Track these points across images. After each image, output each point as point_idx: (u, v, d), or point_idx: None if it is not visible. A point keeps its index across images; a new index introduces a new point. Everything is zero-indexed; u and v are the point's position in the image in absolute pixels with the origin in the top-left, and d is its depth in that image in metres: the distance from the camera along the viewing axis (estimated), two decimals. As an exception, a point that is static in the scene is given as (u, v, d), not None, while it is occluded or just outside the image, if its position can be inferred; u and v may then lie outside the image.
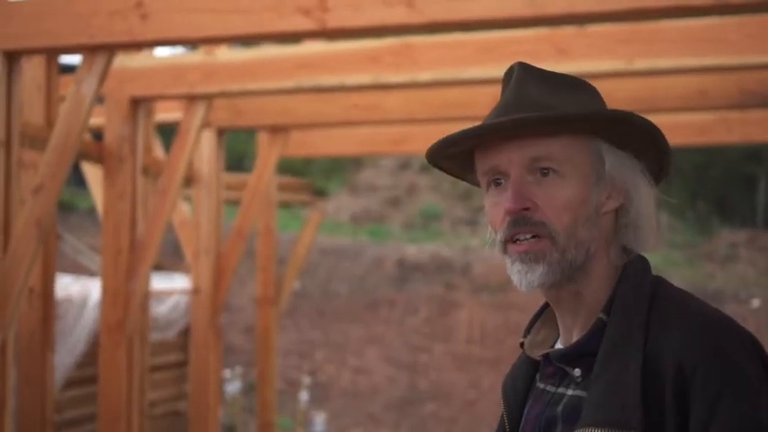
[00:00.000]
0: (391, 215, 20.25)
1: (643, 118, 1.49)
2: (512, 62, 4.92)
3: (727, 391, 1.33)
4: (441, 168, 1.61)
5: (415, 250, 16.86)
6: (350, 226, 19.71)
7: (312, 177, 18.36)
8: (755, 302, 13.81)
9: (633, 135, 1.49)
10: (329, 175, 22.02)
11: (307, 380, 11.58)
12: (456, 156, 1.55)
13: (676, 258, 16.13)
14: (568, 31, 4.90)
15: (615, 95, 5.79)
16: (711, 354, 1.35)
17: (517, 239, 1.46)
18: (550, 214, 1.44)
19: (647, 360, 1.38)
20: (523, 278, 1.46)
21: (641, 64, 4.87)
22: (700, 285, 14.54)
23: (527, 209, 1.45)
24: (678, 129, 7.09)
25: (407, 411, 13.72)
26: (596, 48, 4.88)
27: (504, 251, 1.48)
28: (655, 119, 5.94)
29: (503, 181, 1.48)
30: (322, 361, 14.71)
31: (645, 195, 1.50)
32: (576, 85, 1.53)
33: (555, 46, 4.90)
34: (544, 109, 1.46)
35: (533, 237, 1.45)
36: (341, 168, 22.21)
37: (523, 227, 1.45)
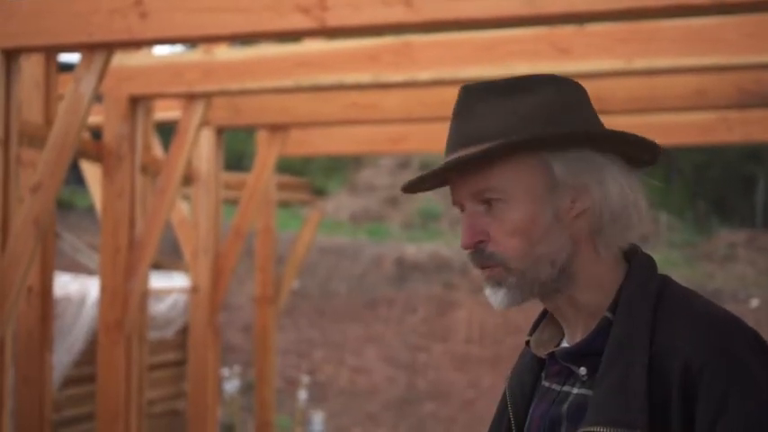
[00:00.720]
0: (390, 215, 20.26)
1: (563, 133, 1.46)
2: (511, 61, 4.91)
3: (733, 390, 1.33)
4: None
5: (413, 250, 16.87)
6: (349, 225, 19.71)
7: (311, 176, 18.37)
8: (754, 302, 13.82)
9: (577, 141, 1.47)
10: (329, 175, 22.03)
11: (305, 379, 11.60)
12: (430, 188, 1.59)
13: (675, 258, 16.13)
14: (567, 30, 4.90)
15: (614, 95, 5.80)
16: (718, 353, 1.35)
17: (480, 267, 1.51)
18: (500, 243, 1.47)
19: (653, 359, 1.38)
20: (493, 300, 1.51)
21: (640, 63, 4.87)
22: (699, 285, 14.55)
23: (481, 241, 1.49)
24: (678, 128, 7.09)
25: (406, 411, 13.72)
26: (595, 47, 4.88)
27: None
28: (654, 118, 5.98)
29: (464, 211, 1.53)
30: (321, 360, 14.71)
31: (613, 187, 1.47)
32: (530, 89, 1.49)
33: (554, 45, 4.90)
34: (480, 139, 1.46)
35: (489, 267, 1.49)
36: (340, 168, 22.22)
37: (479, 260, 1.50)
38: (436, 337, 14.80)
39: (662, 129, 6.94)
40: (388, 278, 16.21)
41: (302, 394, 10.62)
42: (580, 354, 1.48)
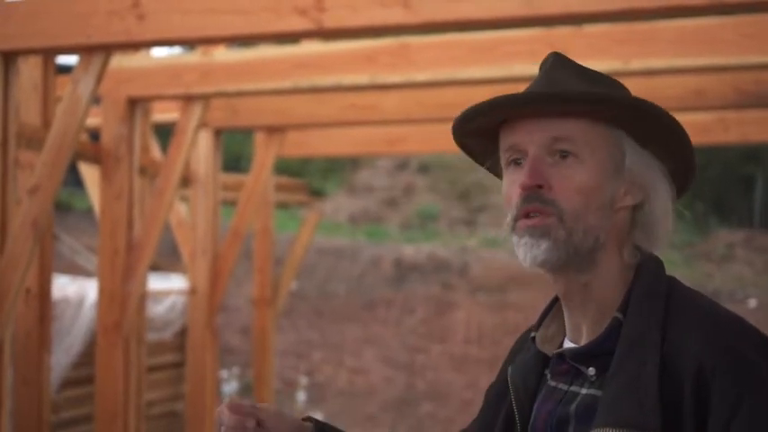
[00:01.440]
0: (389, 215, 20.26)
1: (669, 114, 1.47)
2: (508, 62, 4.91)
3: (746, 391, 1.33)
4: (464, 148, 1.61)
5: (412, 250, 16.87)
6: (348, 226, 19.72)
7: (310, 178, 18.36)
8: (752, 302, 13.83)
9: (658, 132, 1.48)
10: (327, 176, 22.04)
11: (304, 380, 11.61)
12: (480, 133, 1.55)
13: (674, 258, 16.15)
14: (564, 31, 4.91)
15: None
16: (730, 355, 1.35)
17: (527, 215, 1.46)
18: (562, 195, 1.44)
19: (665, 360, 1.38)
20: (528, 252, 1.46)
21: (637, 64, 4.88)
22: (697, 285, 14.55)
23: (540, 186, 1.45)
24: (675, 129, 7.08)
25: (405, 412, 13.72)
26: (593, 48, 4.89)
27: (513, 228, 1.48)
28: (651, 119, 5.82)
29: (522, 160, 1.48)
30: (319, 361, 14.71)
31: (663, 197, 1.49)
32: (608, 81, 1.53)
33: (551, 46, 4.90)
34: (576, 86, 1.47)
35: (543, 214, 1.45)
36: (338, 169, 22.22)
37: (535, 203, 1.45)
38: (434, 338, 14.81)
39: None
40: (386, 279, 16.21)
41: (301, 395, 10.64)
42: (589, 354, 1.47)
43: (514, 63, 4.90)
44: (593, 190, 1.45)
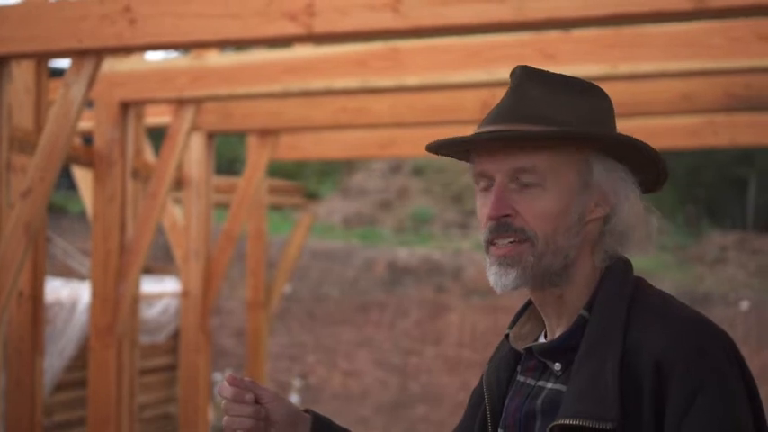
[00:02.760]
0: (382, 218, 20.28)
1: (630, 138, 1.51)
2: (498, 66, 4.94)
3: (703, 386, 1.37)
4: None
5: (406, 253, 16.89)
6: (342, 229, 19.73)
7: (305, 180, 18.37)
8: (744, 305, 13.86)
9: (623, 151, 1.52)
10: (321, 179, 22.05)
11: (297, 383, 11.62)
12: (454, 154, 1.61)
13: (666, 260, 16.17)
14: (553, 35, 4.94)
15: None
16: (689, 352, 1.40)
17: (497, 243, 1.51)
18: (530, 221, 1.49)
19: (626, 355, 1.42)
20: (498, 280, 1.51)
21: (626, 68, 4.91)
22: (689, 287, 14.59)
23: (507, 215, 1.50)
24: (665, 132, 7.13)
25: (398, 414, 13.74)
26: (581, 52, 4.92)
27: (487, 251, 1.53)
28: (641, 122, 6.02)
29: (492, 186, 1.53)
30: (313, 364, 14.73)
31: (633, 204, 1.53)
32: (582, 91, 1.54)
33: (540, 50, 4.94)
34: (537, 120, 1.49)
35: (512, 242, 1.50)
36: (333, 171, 22.23)
37: (503, 233, 1.50)
38: (428, 341, 14.83)
39: (648, 132, 6.98)
40: (380, 282, 16.23)
41: (294, 398, 10.65)
42: (556, 350, 1.52)
43: (504, 67, 4.93)
44: (559, 214, 1.49)
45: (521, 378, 1.59)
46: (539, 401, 1.52)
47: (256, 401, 1.59)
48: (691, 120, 7.06)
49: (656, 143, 6.98)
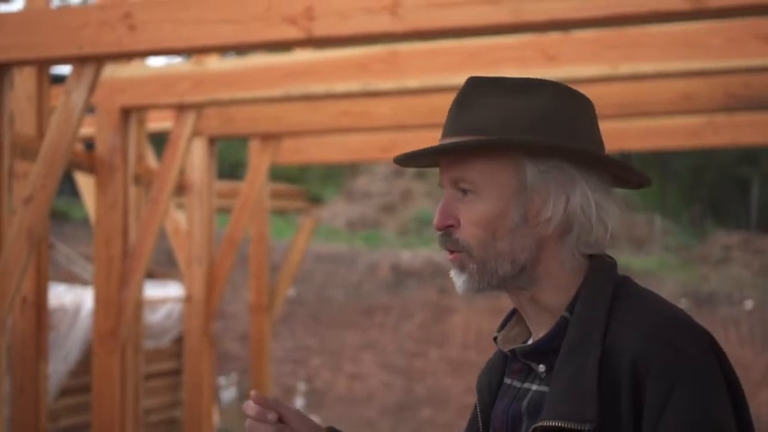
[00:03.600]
0: (386, 221, 20.30)
1: (552, 144, 1.51)
2: (498, 68, 4.96)
3: (680, 383, 1.38)
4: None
5: (409, 256, 16.91)
6: (345, 232, 19.75)
7: (308, 184, 18.40)
8: (749, 304, 13.85)
9: (553, 153, 1.53)
10: (325, 182, 22.09)
11: (302, 386, 11.64)
12: (421, 165, 1.68)
13: (670, 261, 16.17)
14: (554, 36, 4.95)
15: (601, 100, 5.84)
16: (666, 350, 1.40)
17: (447, 250, 1.57)
18: (465, 231, 1.54)
19: (605, 356, 1.43)
20: (456, 283, 1.57)
21: (626, 69, 4.92)
22: (694, 287, 14.59)
23: (450, 225, 1.55)
24: (666, 132, 7.14)
25: (403, 417, 13.75)
26: (582, 53, 4.93)
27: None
28: (641, 123, 6.01)
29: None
30: (317, 367, 14.74)
31: (581, 201, 1.52)
32: (525, 91, 1.54)
33: (541, 52, 4.95)
34: (470, 130, 1.53)
35: (455, 251, 1.56)
36: (336, 175, 22.27)
37: (445, 243, 1.56)
38: (433, 343, 14.84)
39: (649, 133, 6.99)
40: (384, 285, 16.25)
41: (299, 401, 10.66)
42: (539, 351, 1.53)
43: (504, 69, 4.94)
44: (494, 219, 1.52)
45: (507, 380, 1.61)
46: (524, 403, 1.53)
47: (280, 420, 1.60)
48: (691, 120, 7.06)
49: (658, 143, 7.01)
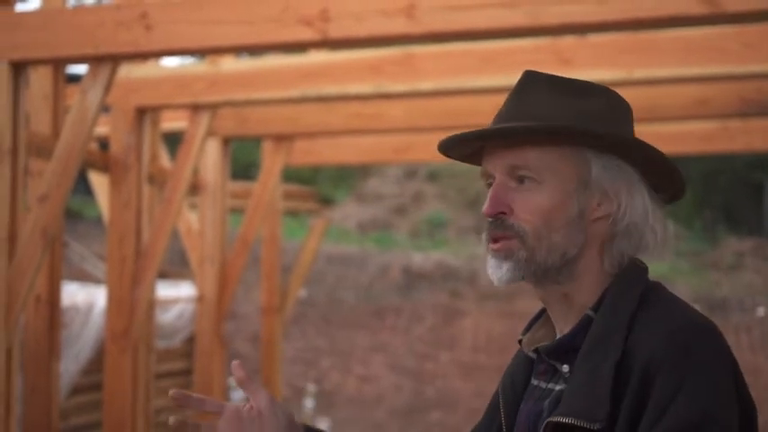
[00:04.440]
0: (397, 223, 20.29)
1: (621, 137, 1.52)
2: (513, 71, 4.98)
3: (688, 382, 1.37)
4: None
5: (420, 258, 16.90)
6: (357, 234, 19.75)
7: (320, 186, 18.41)
8: (761, 311, 13.80)
9: (620, 148, 1.53)
10: (336, 184, 22.08)
11: (312, 387, 11.64)
12: (465, 155, 1.65)
13: (682, 267, 16.12)
14: (569, 40, 4.94)
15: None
16: (680, 352, 1.39)
17: (493, 239, 1.54)
18: (522, 217, 1.51)
19: (624, 357, 1.43)
20: (494, 273, 1.55)
21: (641, 73, 4.92)
22: (705, 293, 14.54)
23: (502, 213, 1.53)
24: (680, 137, 7.13)
25: (413, 419, 13.74)
26: (597, 57, 4.92)
27: (486, 247, 1.57)
28: (656, 128, 6.01)
29: (492, 183, 1.56)
30: (328, 368, 14.74)
31: (639, 204, 1.52)
32: (584, 91, 1.55)
33: (556, 55, 4.94)
34: (532, 119, 1.51)
35: (505, 238, 1.53)
36: (348, 177, 22.26)
37: (497, 229, 1.53)
38: (443, 346, 14.82)
39: (664, 138, 6.97)
40: (395, 287, 16.24)
41: (309, 402, 10.67)
42: (562, 350, 1.53)
43: (519, 72, 4.92)
44: (553, 209, 1.51)
45: (534, 382, 1.60)
46: (546, 403, 1.53)
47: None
48: (706, 125, 7.05)
49: (672, 148, 7.01)
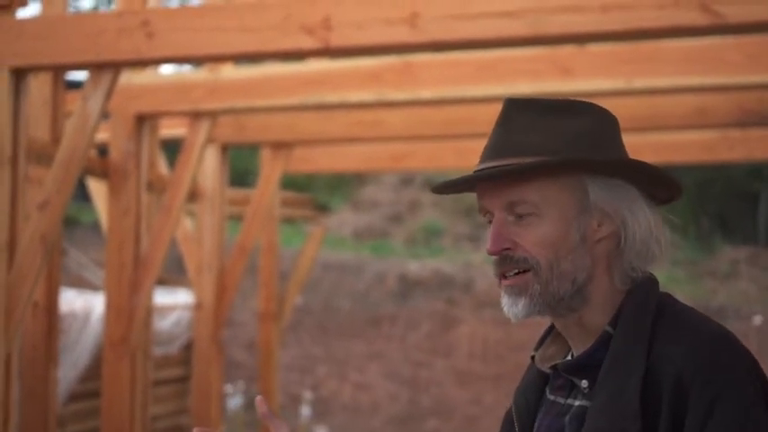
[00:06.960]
0: (393, 231, 20.28)
1: (613, 162, 1.52)
2: (512, 81, 4.97)
3: (721, 399, 1.38)
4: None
5: (417, 266, 16.89)
6: (353, 241, 19.73)
7: (316, 193, 18.38)
8: (757, 319, 13.81)
9: (615, 169, 1.53)
10: (333, 191, 22.06)
11: (308, 395, 11.61)
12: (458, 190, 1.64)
13: (678, 275, 16.13)
14: (569, 50, 4.95)
15: (616, 114, 5.84)
16: (710, 366, 1.40)
17: (504, 275, 1.54)
18: (530, 250, 1.51)
19: (649, 371, 1.43)
20: (510, 310, 1.55)
21: (641, 83, 4.92)
22: (701, 302, 14.54)
23: (507, 248, 1.52)
24: (680, 147, 7.14)
25: (409, 427, 13.72)
26: (597, 67, 4.93)
27: (499, 284, 1.57)
28: (655, 137, 6.03)
29: (492, 219, 1.56)
30: (324, 376, 14.72)
31: (642, 219, 1.53)
32: (570, 111, 1.54)
33: (556, 65, 4.95)
34: (524, 152, 1.50)
35: (517, 273, 1.52)
36: (344, 184, 22.25)
37: (508, 265, 1.53)
38: (439, 354, 14.80)
39: (663, 147, 6.99)
40: (391, 294, 16.23)
41: (305, 410, 10.65)
42: (582, 366, 1.53)
43: (518, 82, 4.94)
44: (558, 239, 1.51)
45: (550, 397, 1.60)
46: (566, 419, 1.53)
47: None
48: (705, 135, 7.06)
49: (671, 158, 7.02)
